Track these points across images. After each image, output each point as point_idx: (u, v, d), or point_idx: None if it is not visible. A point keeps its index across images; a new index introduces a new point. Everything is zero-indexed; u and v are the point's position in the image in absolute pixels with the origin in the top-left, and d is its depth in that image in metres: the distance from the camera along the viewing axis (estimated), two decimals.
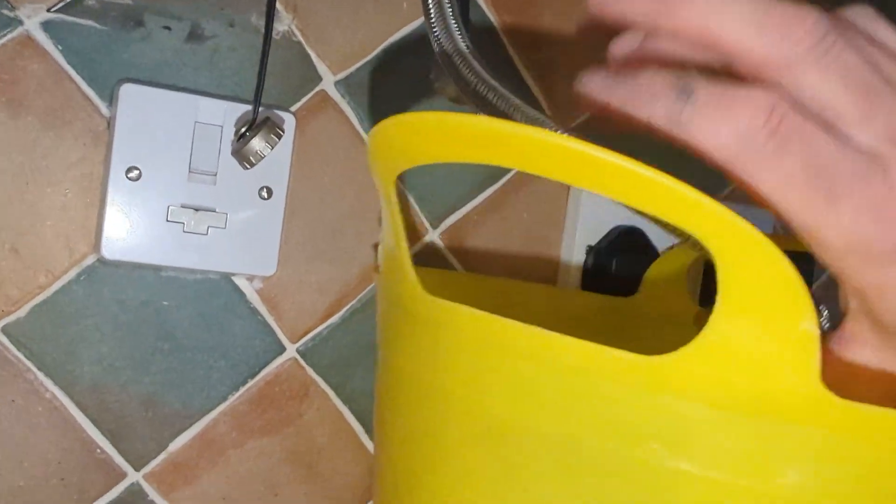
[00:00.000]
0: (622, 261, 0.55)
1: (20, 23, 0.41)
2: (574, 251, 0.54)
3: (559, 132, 0.22)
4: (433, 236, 0.51)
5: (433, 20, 0.35)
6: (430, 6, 0.35)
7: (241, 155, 0.40)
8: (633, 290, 0.54)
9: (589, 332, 0.24)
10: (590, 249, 0.54)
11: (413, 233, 0.51)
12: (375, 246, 0.49)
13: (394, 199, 0.29)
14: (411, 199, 0.51)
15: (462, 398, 0.27)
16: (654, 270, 0.54)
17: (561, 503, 0.25)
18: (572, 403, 0.24)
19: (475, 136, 0.23)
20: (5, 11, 0.41)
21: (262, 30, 0.45)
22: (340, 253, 0.49)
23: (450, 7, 0.35)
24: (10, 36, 0.41)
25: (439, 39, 0.35)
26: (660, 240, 0.55)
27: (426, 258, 0.51)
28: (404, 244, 0.30)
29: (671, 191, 0.20)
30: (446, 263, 0.52)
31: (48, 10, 0.41)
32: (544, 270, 0.55)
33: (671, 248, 0.55)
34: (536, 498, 0.25)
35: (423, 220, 0.51)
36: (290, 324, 0.48)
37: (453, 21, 0.35)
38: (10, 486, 0.43)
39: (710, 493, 0.23)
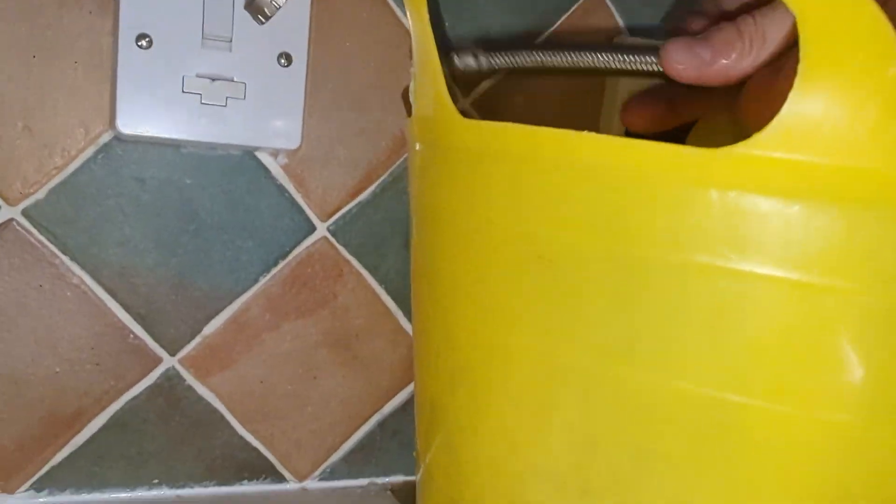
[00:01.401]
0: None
1: None
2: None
3: None
4: (464, 105, 0.49)
5: None
6: None
7: (255, 7, 0.37)
8: None
9: None
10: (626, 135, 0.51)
11: None
12: (404, 93, 0.46)
13: (424, 13, 0.26)
14: None
15: (510, 228, 0.25)
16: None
17: (620, 327, 0.22)
18: (631, 216, 0.21)
19: None
20: None
21: None
22: (367, 124, 0.46)
23: None
24: None
25: None
26: None
27: None
28: (438, 66, 0.28)
29: None
30: None
31: None
32: None
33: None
34: (596, 327, 0.23)
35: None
36: (319, 201, 0.46)
37: None
38: (46, 372, 0.42)
39: (786, 295, 0.21)
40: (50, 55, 0.40)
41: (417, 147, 0.32)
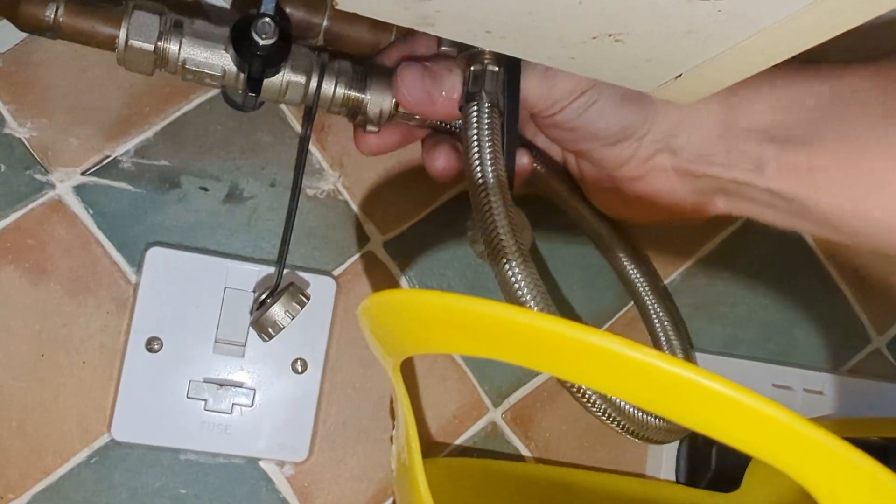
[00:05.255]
0: (724, 446, 0.46)
1: (52, 187, 0.39)
2: None
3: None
4: (495, 415, 0.45)
5: (474, 145, 0.30)
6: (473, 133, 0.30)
7: (259, 325, 0.36)
8: (737, 482, 0.45)
9: None
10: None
11: (472, 411, 0.44)
12: (391, 438, 0.43)
13: (402, 389, 0.23)
14: (468, 372, 0.44)
15: None
16: None
17: None
18: None
19: (475, 324, 0.17)
20: (38, 176, 0.39)
21: (305, 190, 0.42)
22: (386, 434, 0.43)
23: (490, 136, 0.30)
24: (39, 201, 0.39)
25: (476, 167, 0.30)
26: None
27: (486, 440, 0.44)
28: (415, 445, 0.24)
29: (753, 411, 0.13)
30: (510, 447, 0.45)
31: (82, 174, 0.40)
32: (629, 457, 0.46)
33: None
34: None
35: (482, 396, 0.45)
36: None
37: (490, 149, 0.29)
38: None
39: None
40: (59, 353, 0.39)
41: None
